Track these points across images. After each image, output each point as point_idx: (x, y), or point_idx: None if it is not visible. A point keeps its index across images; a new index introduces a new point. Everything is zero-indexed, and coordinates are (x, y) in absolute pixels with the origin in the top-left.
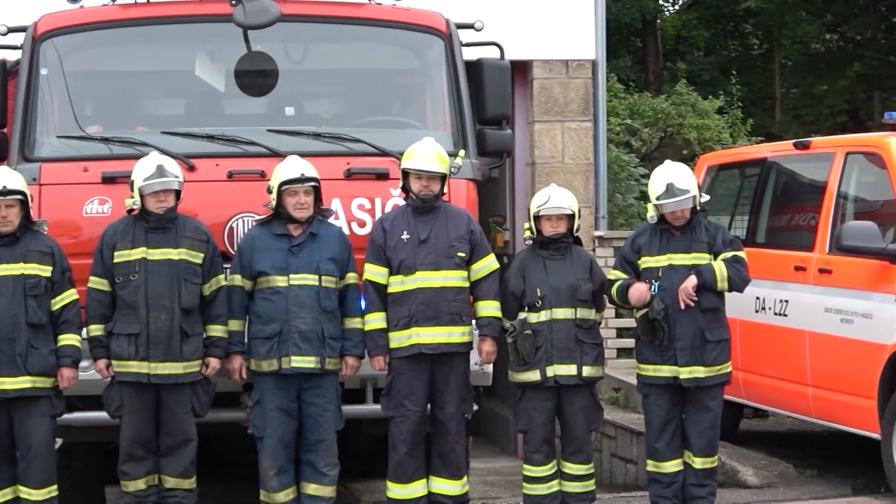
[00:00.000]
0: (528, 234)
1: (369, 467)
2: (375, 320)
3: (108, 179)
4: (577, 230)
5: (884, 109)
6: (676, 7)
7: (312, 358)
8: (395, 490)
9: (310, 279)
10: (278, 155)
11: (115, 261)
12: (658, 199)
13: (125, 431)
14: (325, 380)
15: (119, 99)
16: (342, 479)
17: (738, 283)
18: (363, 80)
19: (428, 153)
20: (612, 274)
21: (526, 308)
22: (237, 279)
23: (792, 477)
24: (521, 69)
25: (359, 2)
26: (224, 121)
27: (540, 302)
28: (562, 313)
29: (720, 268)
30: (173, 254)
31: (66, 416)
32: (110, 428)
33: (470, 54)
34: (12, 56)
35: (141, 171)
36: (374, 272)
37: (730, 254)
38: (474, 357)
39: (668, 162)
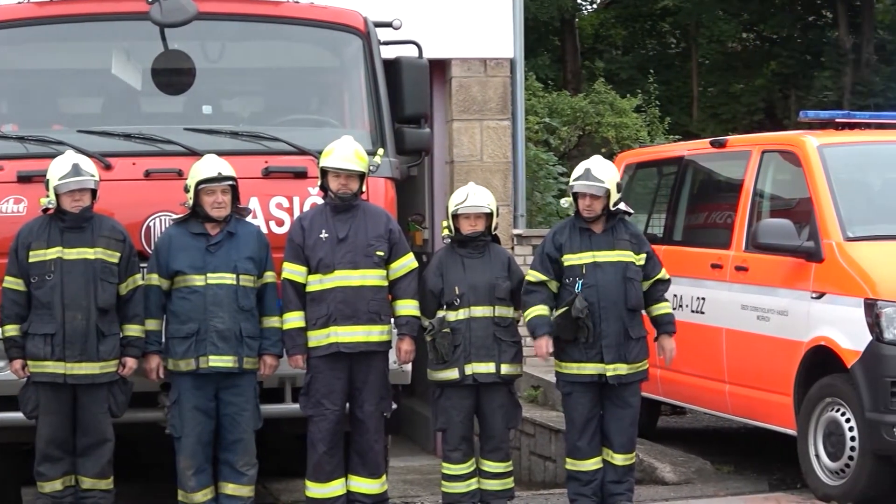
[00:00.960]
0: (446, 232)
1: (288, 466)
2: (294, 319)
3: (24, 178)
4: (496, 228)
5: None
6: (594, 6)
7: (230, 357)
8: (313, 489)
9: (227, 278)
10: (195, 154)
11: (31, 260)
12: (575, 180)
13: (41, 432)
14: (243, 379)
15: (35, 97)
16: (261, 478)
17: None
18: (281, 78)
19: (346, 151)
20: (531, 275)
21: (444, 306)
22: (154, 278)
23: (709, 473)
24: (439, 68)
25: (276, 0)
26: (141, 119)
27: (458, 300)
28: (480, 311)
29: (668, 308)
30: (89, 253)
31: None
32: (26, 429)
33: (388, 53)
34: None
35: (56, 170)
36: (293, 271)
37: (658, 276)
38: (393, 356)
39: (595, 156)
